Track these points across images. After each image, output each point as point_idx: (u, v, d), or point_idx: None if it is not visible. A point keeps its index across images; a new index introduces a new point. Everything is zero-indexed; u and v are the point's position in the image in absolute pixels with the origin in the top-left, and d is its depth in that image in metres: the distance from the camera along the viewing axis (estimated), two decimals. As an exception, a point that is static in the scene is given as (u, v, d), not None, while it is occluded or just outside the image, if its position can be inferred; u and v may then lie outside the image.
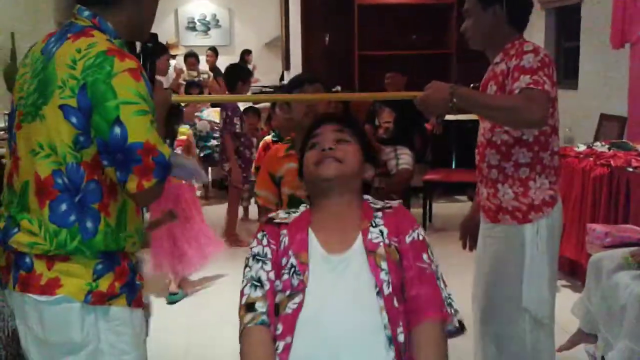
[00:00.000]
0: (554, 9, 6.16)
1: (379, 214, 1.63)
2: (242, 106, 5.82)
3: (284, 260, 1.55)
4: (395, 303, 1.48)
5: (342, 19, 7.16)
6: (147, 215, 2.57)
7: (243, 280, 1.57)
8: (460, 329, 1.59)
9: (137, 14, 1.64)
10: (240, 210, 5.80)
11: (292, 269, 1.53)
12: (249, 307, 1.52)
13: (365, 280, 1.49)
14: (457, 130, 6.31)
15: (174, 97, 1.89)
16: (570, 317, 3.11)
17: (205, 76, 8.57)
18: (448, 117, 5.76)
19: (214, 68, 8.98)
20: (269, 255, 1.57)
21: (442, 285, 1.58)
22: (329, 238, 1.58)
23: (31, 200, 1.55)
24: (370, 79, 6.82)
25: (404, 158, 5.52)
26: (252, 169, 5.08)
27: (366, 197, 1.70)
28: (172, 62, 7.75)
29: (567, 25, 6.06)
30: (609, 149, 4.20)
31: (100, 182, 1.54)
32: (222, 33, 10.62)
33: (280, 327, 1.47)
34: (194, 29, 10.61)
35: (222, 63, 9.24)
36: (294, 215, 1.65)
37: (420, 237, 1.59)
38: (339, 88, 6.51)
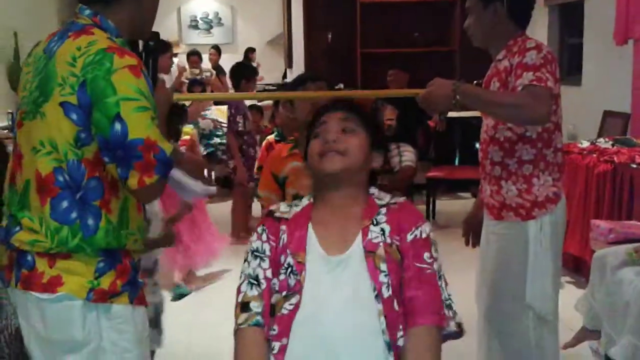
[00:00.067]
0: (557, 6, 6.15)
1: (383, 210, 1.55)
2: (248, 104, 5.81)
3: (282, 258, 1.51)
4: (395, 306, 1.44)
5: (345, 16, 7.16)
6: (157, 213, 2.55)
7: (241, 276, 1.55)
8: (459, 332, 1.54)
9: (138, 12, 1.65)
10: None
11: (290, 269, 1.48)
12: (244, 306, 1.50)
13: (364, 282, 1.45)
14: (461, 127, 6.30)
15: (176, 96, 1.89)
16: (574, 313, 3.11)
17: (208, 74, 8.58)
18: (451, 114, 5.75)
19: (216, 66, 8.99)
20: (267, 252, 1.53)
21: (443, 286, 1.51)
22: (329, 236, 1.52)
23: (32, 198, 1.55)
24: (372, 77, 6.82)
25: (407, 155, 5.51)
26: (255, 169, 5.09)
27: (372, 191, 1.62)
28: (175, 60, 7.76)
29: (570, 22, 6.04)
30: (613, 145, 4.19)
31: (101, 179, 1.54)
32: (225, 31, 10.62)
33: (276, 328, 1.45)
34: (196, 27, 10.61)
35: (225, 61, 9.25)
36: (295, 210, 1.59)
37: (424, 235, 1.52)
38: (341, 86, 6.51)
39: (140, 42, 1.79)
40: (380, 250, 1.47)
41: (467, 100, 1.99)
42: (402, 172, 5.43)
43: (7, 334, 2.07)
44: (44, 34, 1.70)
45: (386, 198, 1.60)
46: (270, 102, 6.34)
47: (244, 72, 5.39)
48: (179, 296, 4.07)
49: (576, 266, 4.20)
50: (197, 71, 8.34)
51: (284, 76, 9.24)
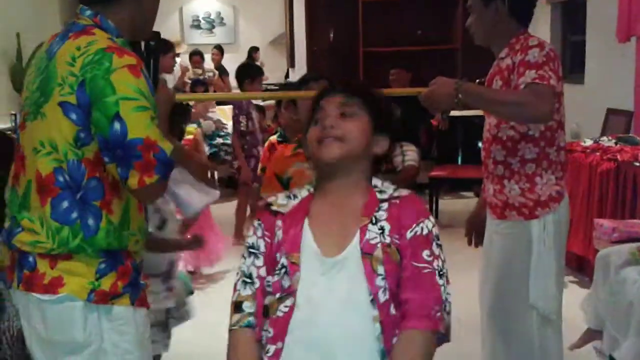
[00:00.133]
0: (560, 3, 6.14)
1: (385, 204, 1.47)
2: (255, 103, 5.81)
3: (277, 256, 1.46)
4: (392, 310, 1.38)
5: (347, 15, 7.16)
6: (173, 212, 2.52)
7: (237, 273, 1.52)
8: (445, 335, 1.44)
9: (138, 11, 1.65)
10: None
11: (284, 269, 1.43)
12: (237, 306, 1.47)
13: (360, 286, 1.38)
14: (463, 126, 6.29)
15: (178, 96, 1.89)
16: (577, 313, 3.10)
17: (211, 74, 8.58)
18: (454, 113, 5.74)
19: (219, 66, 8.99)
20: (262, 249, 1.48)
21: (443, 285, 1.43)
22: (326, 234, 1.46)
23: (33, 198, 1.56)
24: (375, 76, 6.81)
25: (409, 155, 5.48)
26: (259, 170, 5.10)
27: (375, 182, 1.52)
28: (177, 60, 7.76)
29: (572, 19, 6.03)
30: (616, 143, 4.18)
31: (101, 180, 1.54)
32: (227, 31, 10.62)
33: (271, 331, 1.41)
34: (198, 27, 10.62)
35: (227, 61, 9.27)
36: (293, 203, 1.52)
37: (425, 231, 1.44)
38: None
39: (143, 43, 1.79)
40: (378, 252, 1.40)
41: (470, 98, 1.99)
42: (404, 171, 5.40)
43: (9, 335, 2.08)
44: (46, 35, 1.70)
45: (389, 190, 1.51)
46: (272, 101, 6.34)
47: (248, 71, 5.39)
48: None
49: (580, 265, 4.19)
50: (200, 71, 8.34)
51: (287, 76, 9.24)
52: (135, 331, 1.62)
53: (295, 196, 1.54)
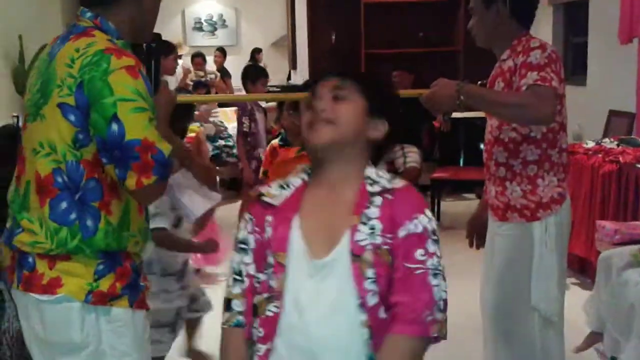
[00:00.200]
0: (562, 5, 6.13)
1: (378, 200, 1.38)
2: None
3: (267, 253, 1.40)
4: (382, 314, 1.33)
5: (349, 17, 7.15)
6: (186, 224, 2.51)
7: (229, 266, 1.49)
8: (440, 336, 1.37)
9: (138, 13, 1.65)
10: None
11: (271, 268, 1.39)
12: (227, 303, 1.44)
13: (348, 289, 1.32)
14: (465, 127, 6.29)
15: (179, 97, 1.89)
16: (579, 315, 3.10)
17: (213, 76, 8.59)
18: (456, 114, 5.74)
19: (221, 68, 9.00)
20: (252, 245, 1.43)
21: (441, 284, 1.35)
22: (315, 231, 1.38)
23: (32, 199, 1.56)
24: (377, 77, 6.81)
25: (411, 156, 5.50)
26: (260, 174, 5.10)
27: (368, 172, 1.43)
28: (179, 62, 7.77)
29: (575, 21, 6.03)
30: (618, 145, 4.17)
31: (100, 181, 1.54)
32: (229, 33, 10.63)
33: (261, 331, 1.38)
34: (200, 29, 10.63)
35: (229, 63, 9.28)
36: (286, 194, 1.44)
37: (419, 229, 1.35)
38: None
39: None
40: (368, 255, 1.33)
41: (471, 100, 1.99)
42: (406, 173, 5.41)
43: (9, 336, 2.08)
44: (48, 37, 1.71)
45: (382, 181, 1.41)
46: (274, 103, 6.34)
47: (251, 73, 5.41)
48: None
49: (581, 267, 4.19)
50: (202, 73, 8.34)
51: (288, 77, 9.25)
52: (134, 333, 1.62)
53: (288, 185, 1.46)
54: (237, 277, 1.43)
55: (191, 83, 7.73)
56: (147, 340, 1.69)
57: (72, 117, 1.50)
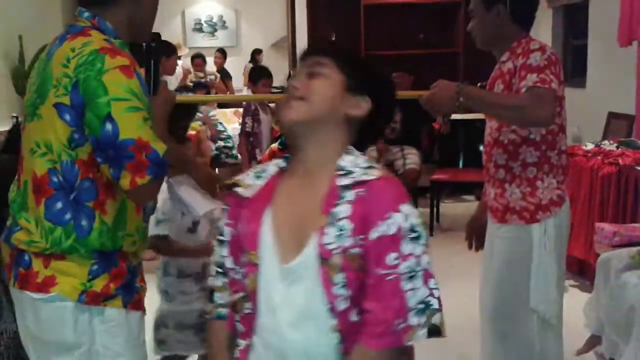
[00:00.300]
0: (562, 7, 6.14)
1: (348, 194, 1.26)
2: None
3: (242, 248, 1.34)
4: (353, 317, 1.26)
5: (349, 18, 7.16)
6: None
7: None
8: (437, 332, 1.26)
9: (136, 13, 1.65)
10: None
11: (244, 268, 1.33)
12: (210, 294, 1.40)
13: (317, 294, 1.25)
14: (465, 129, 6.30)
15: (179, 97, 1.89)
16: (578, 317, 3.10)
17: (212, 77, 8.59)
18: (455, 116, 5.75)
19: (221, 69, 9.00)
20: (227, 237, 1.36)
21: (414, 288, 1.24)
22: (287, 226, 1.30)
23: (29, 198, 1.57)
24: (376, 79, 6.81)
25: (411, 158, 5.51)
26: None
27: (342, 162, 1.30)
28: (179, 62, 7.78)
29: (574, 23, 6.03)
30: (617, 147, 4.18)
31: (95, 180, 1.55)
32: (229, 34, 10.63)
33: (241, 327, 1.35)
34: (200, 30, 10.63)
35: (229, 64, 9.28)
36: (259, 184, 1.35)
37: (393, 229, 1.23)
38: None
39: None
40: (336, 259, 1.24)
41: (471, 102, 1.99)
42: (406, 174, 5.42)
43: (6, 337, 2.08)
44: (48, 37, 1.72)
45: (357, 172, 1.28)
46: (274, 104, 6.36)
47: (252, 74, 5.47)
48: None
49: (580, 269, 4.19)
50: (202, 74, 8.35)
51: (289, 78, 9.24)
52: (128, 334, 1.62)
53: (264, 174, 1.37)
54: (219, 270, 1.39)
55: (191, 84, 7.73)
56: (143, 341, 1.69)
57: (67, 117, 1.50)
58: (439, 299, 1.26)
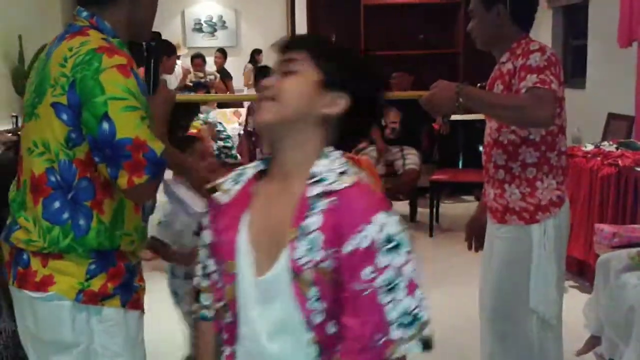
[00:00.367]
0: (561, 8, 6.14)
1: (320, 204, 1.18)
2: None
3: (221, 256, 1.30)
4: (331, 328, 1.20)
5: (348, 18, 7.16)
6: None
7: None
8: (428, 345, 1.19)
9: (135, 12, 1.65)
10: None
11: (222, 278, 1.29)
12: (196, 294, 1.36)
13: (292, 308, 1.20)
14: (465, 130, 6.29)
15: (178, 96, 1.89)
16: (578, 317, 3.10)
17: (212, 77, 8.60)
18: (455, 116, 5.75)
19: (221, 69, 9.01)
20: (208, 240, 1.32)
21: (393, 300, 1.16)
22: (263, 234, 1.24)
23: (28, 198, 1.57)
24: (376, 79, 6.81)
25: (410, 158, 5.52)
26: None
27: (315, 169, 1.21)
28: (178, 61, 7.78)
29: (574, 24, 6.04)
30: (617, 148, 4.18)
31: (92, 180, 1.55)
32: (229, 34, 10.63)
33: (225, 335, 1.31)
34: (200, 30, 10.62)
35: (229, 64, 9.27)
36: (236, 189, 1.29)
37: (366, 243, 1.15)
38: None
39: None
40: (307, 274, 1.17)
41: (471, 102, 1.99)
42: (406, 175, 5.43)
43: (4, 336, 2.08)
44: (48, 37, 1.72)
45: (330, 178, 1.20)
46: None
47: (257, 75, 5.50)
48: None
49: (580, 270, 4.19)
50: (201, 74, 8.35)
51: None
52: (126, 334, 1.62)
53: (243, 177, 1.31)
54: (204, 271, 1.35)
55: (191, 84, 7.74)
56: (141, 341, 1.69)
57: (64, 117, 1.50)
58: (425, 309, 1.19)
